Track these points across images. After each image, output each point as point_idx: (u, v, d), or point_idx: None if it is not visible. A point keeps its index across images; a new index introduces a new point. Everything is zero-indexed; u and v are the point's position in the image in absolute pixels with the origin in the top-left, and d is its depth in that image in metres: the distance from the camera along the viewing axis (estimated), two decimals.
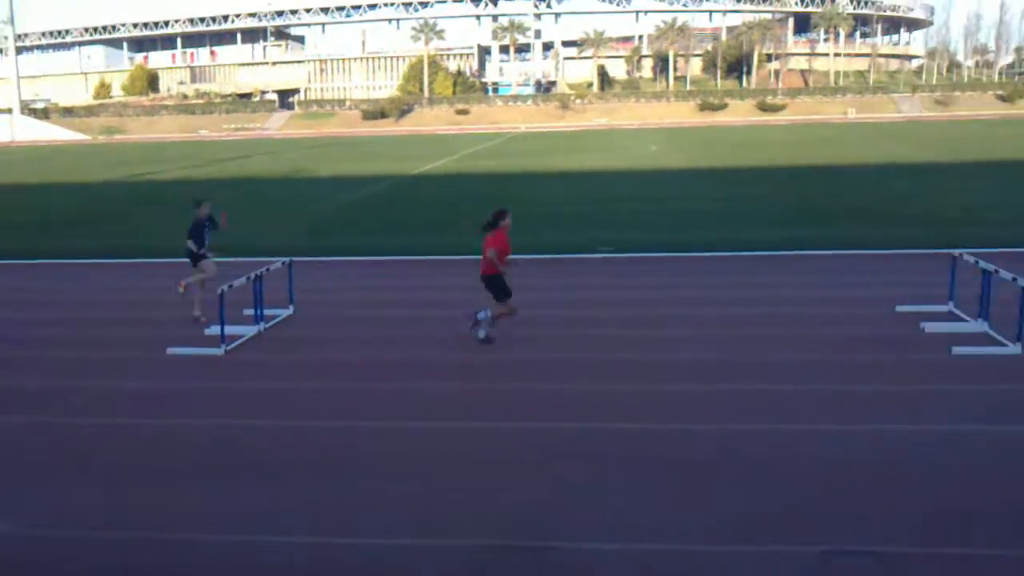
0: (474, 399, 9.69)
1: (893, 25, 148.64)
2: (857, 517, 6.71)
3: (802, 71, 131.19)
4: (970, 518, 6.68)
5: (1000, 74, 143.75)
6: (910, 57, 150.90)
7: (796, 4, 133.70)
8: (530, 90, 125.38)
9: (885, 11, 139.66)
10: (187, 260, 13.22)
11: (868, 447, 8.09)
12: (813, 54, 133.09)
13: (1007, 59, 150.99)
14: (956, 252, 12.98)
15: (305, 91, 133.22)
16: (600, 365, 10.77)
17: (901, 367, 10.38)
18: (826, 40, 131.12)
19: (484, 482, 7.53)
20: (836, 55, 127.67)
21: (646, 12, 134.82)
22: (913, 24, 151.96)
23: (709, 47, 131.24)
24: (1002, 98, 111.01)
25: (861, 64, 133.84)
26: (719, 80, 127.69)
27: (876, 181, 31.89)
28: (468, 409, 9.39)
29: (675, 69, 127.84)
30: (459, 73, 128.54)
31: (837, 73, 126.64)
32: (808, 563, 6.09)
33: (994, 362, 10.48)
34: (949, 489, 7.22)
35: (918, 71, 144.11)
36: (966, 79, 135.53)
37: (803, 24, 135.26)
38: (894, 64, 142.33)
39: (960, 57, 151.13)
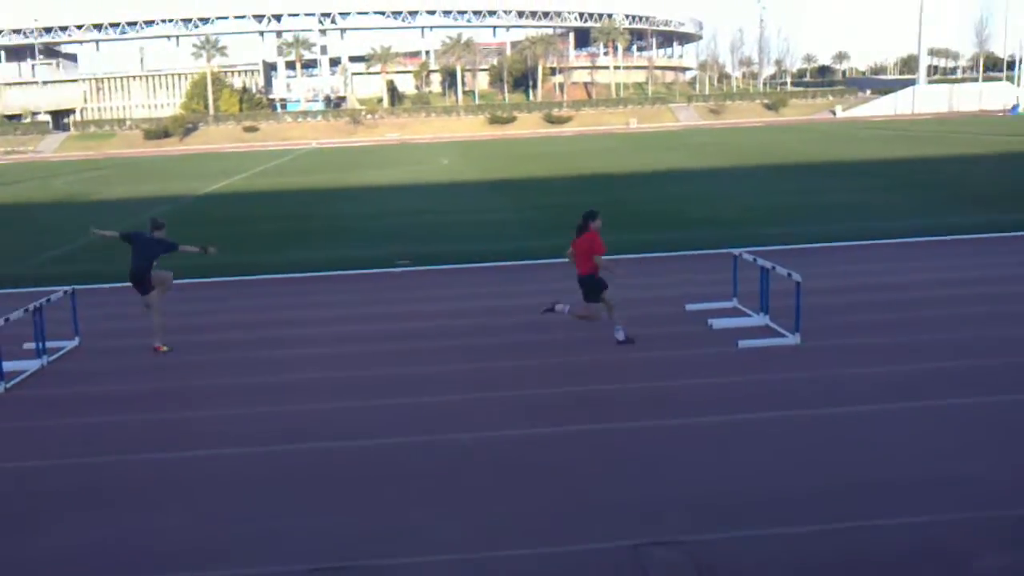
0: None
1: (667, 39, 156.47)
2: (669, 506, 6.96)
3: (585, 84, 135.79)
4: (781, 498, 7.05)
5: (764, 84, 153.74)
6: (684, 69, 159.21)
7: (575, 20, 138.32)
8: (320, 106, 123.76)
9: (659, 26, 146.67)
10: (136, 283, 12.03)
11: (682, 437, 8.41)
12: (595, 67, 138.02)
13: (770, 70, 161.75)
14: (736, 251, 13.70)
15: (81, 111, 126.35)
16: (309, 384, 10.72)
17: (691, 362, 10.87)
18: (606, 54, 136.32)
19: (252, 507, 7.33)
20: (616, 68, 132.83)
21: (431, 28, 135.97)
22: (685, 38, 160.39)
23: (495, 62, 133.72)
24: (768, 106, 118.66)
25: (640, 76, 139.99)
26: (507, 94, 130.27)
27: (658, 186, 33.34)
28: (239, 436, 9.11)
29: (463, 84, 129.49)
30: (245, 90, 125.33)
31: (618, 85, 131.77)
32: (620, 558, 6.24)
33: (776, 352, 11.13)
34: (745, 475, 7.60)
35: (692, 82, 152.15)
36: (735, 89, 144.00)
37: (583, 39, 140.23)
38: (670, 76, 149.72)
39: (729, 69, 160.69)
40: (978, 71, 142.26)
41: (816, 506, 6.94)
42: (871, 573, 6.02)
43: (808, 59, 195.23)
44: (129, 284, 12.25)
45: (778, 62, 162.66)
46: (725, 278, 13.79)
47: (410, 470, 8.00)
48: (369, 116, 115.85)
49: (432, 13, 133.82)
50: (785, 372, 10.32)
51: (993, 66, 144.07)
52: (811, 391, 9.65)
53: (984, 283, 14.59)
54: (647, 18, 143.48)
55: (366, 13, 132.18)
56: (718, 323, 12.38)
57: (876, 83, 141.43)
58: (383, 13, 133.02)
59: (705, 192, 30.76)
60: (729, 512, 6.90)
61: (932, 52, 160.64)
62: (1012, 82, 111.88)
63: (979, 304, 13.11)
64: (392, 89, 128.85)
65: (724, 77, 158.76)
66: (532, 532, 6.72)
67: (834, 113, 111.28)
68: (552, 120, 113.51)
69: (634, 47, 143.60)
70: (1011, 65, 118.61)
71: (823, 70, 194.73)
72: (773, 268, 11.97)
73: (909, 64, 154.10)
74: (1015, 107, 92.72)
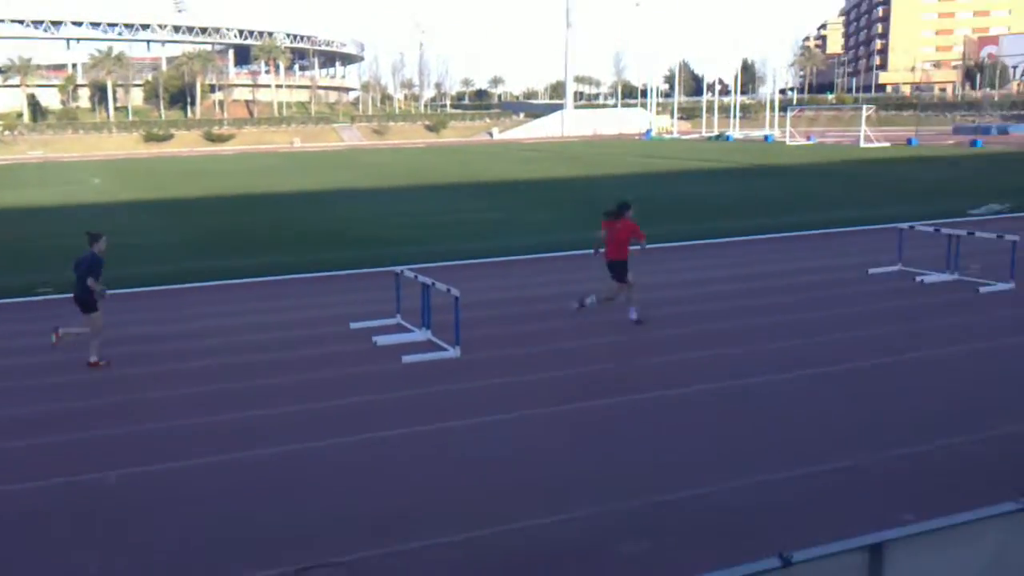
0: None
1: (330, 59, 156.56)
2: (323, 528, 7.01)
3: (247, 102, 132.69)
4: (408, 516, 7.30)
5: (426, 106, 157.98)
6: (347, 89, 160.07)
7: (235, 36, 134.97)
8: None
9: (320, 46, 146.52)
10: (78, 304, 11.57)
11: (334, 456, 8.48)
12: (256, 85, 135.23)
13: (430, 93, 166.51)
14: (399, 269, 14.03)
15: None
16: None
17: (358, 380, 11.00)
18: (267, 72, 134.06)
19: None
20: (278, 86, 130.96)
21: (78, 40, 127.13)
22: (347, 59, 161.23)
23: (150, 77, 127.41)
24: (430, 128, 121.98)
25: (303, 95, 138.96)
26: (163, 111, 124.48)
27: (324, 206, 33.28)
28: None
29: (115, 99, 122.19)
30: None
31: (280, 104, 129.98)
32: None
33: (439, 365, 11.53)
34: (400, 489, 7.83)
35: (356, 103, 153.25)
36: (397, 110, 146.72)
37: (244, 56, 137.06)
38: (334, 96, 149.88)
39: (391, 90, 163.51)
40: (617, 98, 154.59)
41: (470, 513, 7.29)
42: (523, 573, 6.42)
43: (466, 83, 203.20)
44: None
45: (438, 85, 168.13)
46: (389, 296, 14.08)
47: None
48: (7, 132, 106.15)
49: (79, 24, 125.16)
50: (447, 384, 10.72)
51: (630, 94, 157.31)
52: (470, 401, 10.10)
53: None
54: (309, 37, 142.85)
55: (2, 21, 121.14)
56: (382, 340, 12.61)
57: (529, 107, 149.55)
58: (22, 22, 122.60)
59: (370, 211, 31.12)
60: (387, 526, 7.08)
61: (578, 79, 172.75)
62: (646, 108, 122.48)
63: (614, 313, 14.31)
64: (34, 104, 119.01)
65: (387, 98, 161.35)
66: (191, 566, 6.54)
67: (491, 135, 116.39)
68: (212, 138, 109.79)
69: (296, 66, 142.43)
70: (644, 93, 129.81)
71: (480, 93, 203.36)
72: (433, 284, 12.40)
73: (558, 90, 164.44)
74: (648, 132, 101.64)
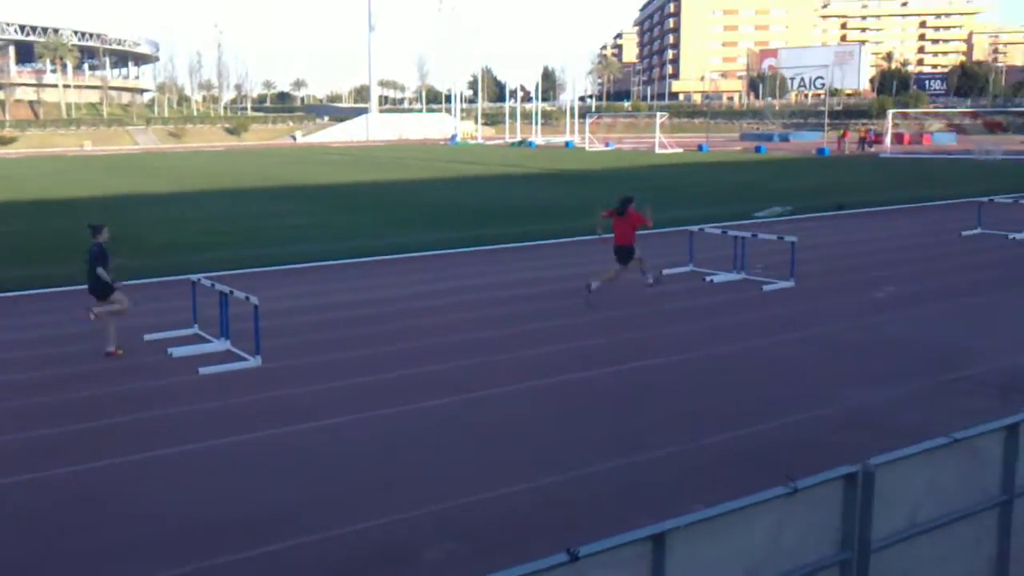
0: None
1: (122, 59, 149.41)
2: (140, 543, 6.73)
3: (31, 103, 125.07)
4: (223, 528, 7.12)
5: (225, 109, 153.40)
6: (142, 91, 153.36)
7: (16, 32, 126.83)
8: None
9: (111, 44, 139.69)
10: (94, 294, 11.97)
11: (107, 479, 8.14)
12: (41, 85, 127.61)
13: (230, 95, 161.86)
14: (195, 277, 13.58)
15: None
16: None
17: (150, 394, 10.58)
18: (53, 71, 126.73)
19: None
20: (66, 87, 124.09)
21: None
22: (141, 59, 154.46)
23: None
24: (230, 131, 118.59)
25: (94, 96, 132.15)
26: None
27: (117, 211, 31.78)
28: None
29: None
30: None
31: (69, 105, 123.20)
32: None
33: (239, 376, 11.24)
34: (212, 499, 7.61)
35: (151, 104, 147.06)
36: (196, 112, 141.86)
37: (27, 53, 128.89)
38: (127, 97, 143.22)
39: (188, 92, 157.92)
40: (422, 103, 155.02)
41: (289, 522, 7.16)
42: None
43: (268, 85, 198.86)
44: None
45: (238, 87, 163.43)
46: (186, 305, 13.61)
47: None
48: None
49: None
50: (246, 395, 10.47)
51: (435, 98, 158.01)
52: (270, 412, 9.90)
53: (444, 295, 16.01)
54: (99, 35, 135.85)
55: None
56: (178, 351, 12.18)
57: (333, 110, 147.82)
58: None
59: (167, 217, 29.95)
60: (204, 539, 6.87)
61: (383, 83, 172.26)
62: (450, 113, 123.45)
63: (433, 315, 14.38)
64: None
65: (184, 100, 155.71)
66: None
67: (295, 139, 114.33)
68: None
69: (85, 65, 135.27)
70: (448, 98, 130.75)
71: (283, 96, 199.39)
72: (231, 292, 12.07)
73: (362, 93, 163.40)
74: (453, 137, 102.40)
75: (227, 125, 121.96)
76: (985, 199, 25.14)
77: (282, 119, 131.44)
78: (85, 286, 12.23)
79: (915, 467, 4.91)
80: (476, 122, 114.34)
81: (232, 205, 34.09)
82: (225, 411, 9.94)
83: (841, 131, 73.81)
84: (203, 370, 11.31)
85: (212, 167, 59.95)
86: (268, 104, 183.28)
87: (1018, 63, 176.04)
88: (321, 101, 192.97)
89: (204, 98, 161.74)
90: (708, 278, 17.13)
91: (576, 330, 13.42)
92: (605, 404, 10.13)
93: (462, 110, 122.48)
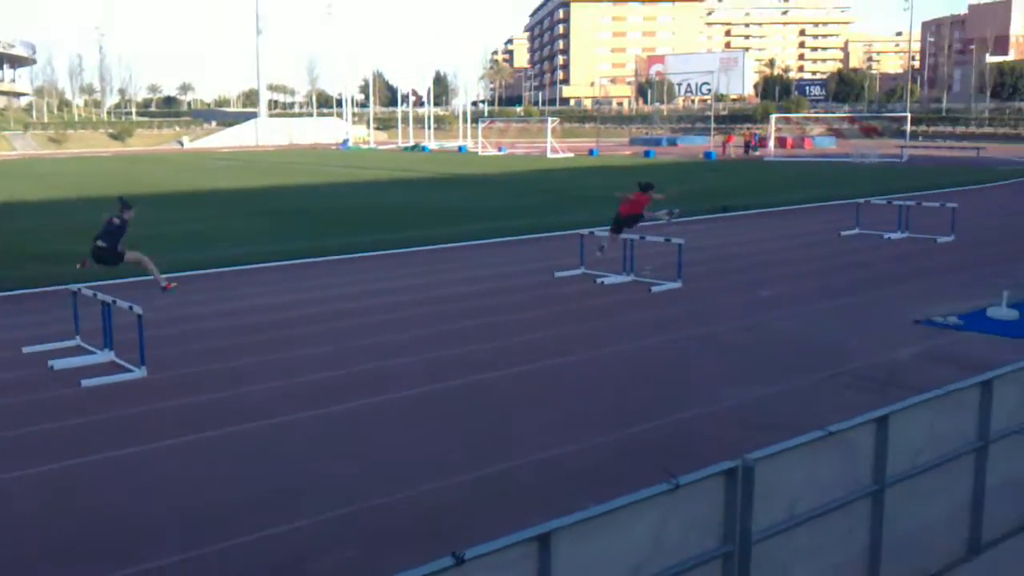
0: None
1: None
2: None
3: None
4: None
5: (109, 113, 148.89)
6: (18, 94, 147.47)
7: None
8: None
9: None
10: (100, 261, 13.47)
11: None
12: None
13: (114, 99, 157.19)
14: (75, 287, 13.15)
15: None
16: None
17: (29, 408, 10.22)
18: None
19: None
20: None
21: None
22: (17, 61, 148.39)
23: None
24: (114, 136, 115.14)
25: None
26: None
27: None
28: None
29: None
30: None
31: None
32: None
33: (123, 388, 10.94)
34: (90, 520, 7.39)
35: (28, 109, 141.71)
36: (77, 118, 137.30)
37: None
38: (2, 101, 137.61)
39: (69, 96, 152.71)
40: (313, 107, 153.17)
41: (170, 537, 7.01)
42: None
43: (153, 89, 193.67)
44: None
45: (122, 91, 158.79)
46: (68, 315, 13.17)
47: None
48: None
49: None
50: (130, 407, 10.20)
51: (326, 103, 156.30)
52: (158, 423, 9.67)
53: (334, 301, 15.86)
54: None
55: None
56: (59, 364, 11.79)
57: (221, 115, 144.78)
58: None
59: (45, 226, 28.90)
60: (75, 559, 6.68)
61: (272, 87, 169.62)
62: (342, 118, 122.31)
63: (323, 322, 14.24)
64: None
65: (65, 104, 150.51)
66: None
67: (182, 144, 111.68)
68: None
69: None
70: (340, 103, 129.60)
71: (169, 100, 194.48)
72: (114, 302, 11.75)
73: (251, 98, 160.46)
74: (345, 141, 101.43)
75: (111, 130, 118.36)
76: (862, 200, 26.11)
77: (168, 124, 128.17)
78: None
79: (793, 460, 5.10)
80: (368, 127, 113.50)
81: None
82: (109, 425, 9.66)
83: (725, 136, 75.74)
84: (86, 383, 10.97)
85: (95, 174, 58.06)
86: (154, 109, 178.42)
87: (890, 71, 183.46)
88: (209, 105, 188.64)
89: (86, 102, 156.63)
90: (599, 280, 17.39)
91: (464, 335, 13.46)
92: (492, 408, 10.19)
93: (354, 115, 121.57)
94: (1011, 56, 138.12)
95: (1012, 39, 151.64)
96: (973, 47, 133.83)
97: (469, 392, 10.71)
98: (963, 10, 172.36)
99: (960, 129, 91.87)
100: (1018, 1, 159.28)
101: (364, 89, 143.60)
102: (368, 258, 21.18)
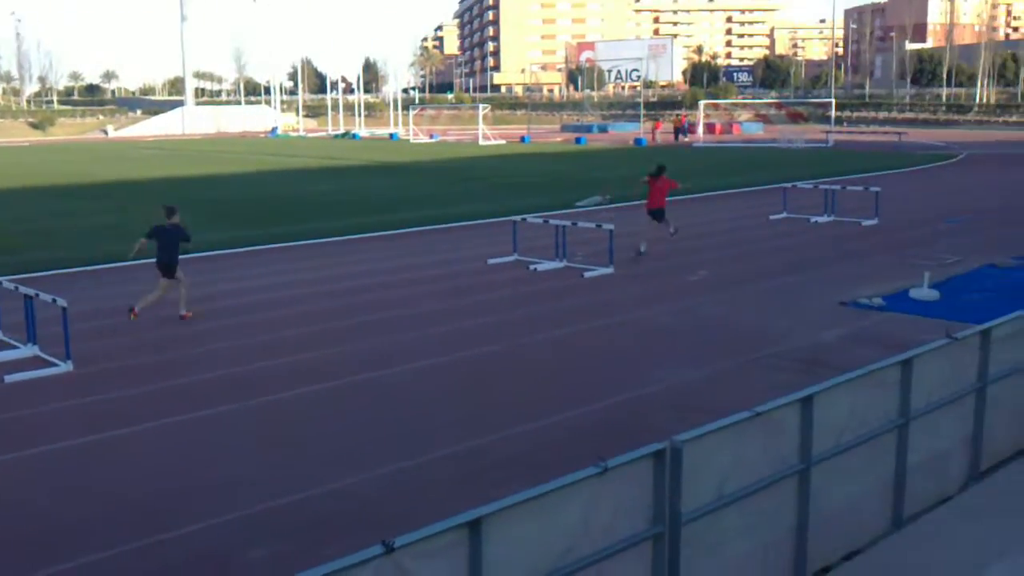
0: None
1: None
2: None
3: None
4: None
5: (28, 102, 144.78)
6: None
7: None
8: None
9: None
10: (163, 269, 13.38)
11: None
12: None
13: (34, 87, 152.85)
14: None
15: None
16: None
17: None
18: None
19: None
20: None
21: None
22: None
23: None
24: (34, 125, 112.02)
25: None
26: None
27: None
28: None
29: None
30: None
31: None
32: None
33: (48, 382, 10.69)
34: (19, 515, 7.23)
35: None
36: None
37: None
38: None
39: None
40: (240, 94, 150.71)
41: (94, 533, 6.88)
42: None
43: (75, 77, 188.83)
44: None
45: (42, 79, 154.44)
46: None
47: None
48: None
49: None
50: (56, 402, 9.97)
51: (254, 90, 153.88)
52: (83, 418, 9.47)
53: (255, 292, 15.64)
54: None
55: None
56: None
57: (147, 103, 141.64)
58: None
59: None
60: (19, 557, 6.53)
61: (199, 75, 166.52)
62: (271, 106, 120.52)
63: (244, 315, 14.06)
64: None
65: None
66: None
67: (107, 133, 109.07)
68: None
69: None
70: (268, 90, 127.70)
71: (92, 88, 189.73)
72: (37, 295, 11.46)
73: (177, 86, 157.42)
74: (274, 129, 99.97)
75: (31, 120, 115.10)
76: (789, 185, 26.55)
77: (92, 113, 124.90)
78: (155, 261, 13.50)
79: (721, 441, 5.18)
80: (297, 114, 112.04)
81: (36, 203, 32.22)
82: (33, 420, 9.44)
83: (654, 122, 76.30)
84: (9, 378, 10.68)
85: (15, 163, 56.47)
86: (76, 97, 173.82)
87: (815, 58, 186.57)
88: (134, 94, 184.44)
89: (3, 91, 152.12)
90: (532, 267, 17.43)
91: (401, 323, 13.40)
92: (414, 399, 10.17)
93: (283, 102, 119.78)
94: (929, 43, 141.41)
95: (930, 27, 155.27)
96: (893, 34, 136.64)
97: (391, 383, 10.66)
98: None
99: (883, 115, 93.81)
100: None
101: (293, 76, 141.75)
102: (294, 248, 20.93)
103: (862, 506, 6.43)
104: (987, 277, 16.11)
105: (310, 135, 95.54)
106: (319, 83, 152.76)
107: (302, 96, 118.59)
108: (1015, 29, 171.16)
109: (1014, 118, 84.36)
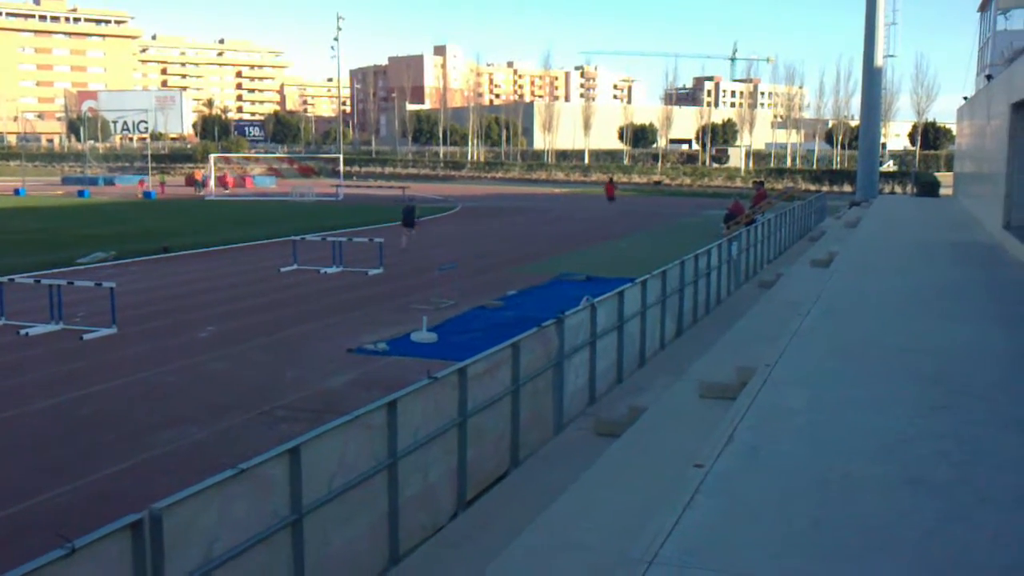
0: None
1: None
2: None
3: None
4: None
5: None
6: None
7: None
8: None
9: None
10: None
11: None
12: None
13: None
14: None
15: None
16: None
17: None
18: None
19: None
20: None
21: None
22: None
23: None
24: None
25: None
26: None
27: None
28: None
29: None
30: None
31: None
32: None
33: None
34: None
35: None
36: None
37: None
38: None
39: None
40: None
41: None
42: None
43: None
44: None
45: None
46: None
47: None
48: None
49: None
50: None
51: None
52: None
53: None
54: None
55: None
56: None
57: None
58: None
59: None
60: None
61: None
62: None
63: None
64: None
65: None
66: None
67: None
68: None
69: None
70: None
71: None
72: None
73: None
74: None
75: None
76: (299, 237, 26.99)
77: None
78: None
79: (205, 502, 5.05)
80: None
81: None
82: None
83: (163, 177, 73.82)
84: None
85: None
86: None
87: (324, 114, 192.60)
88: None
89: None
90: (23, 331, 15.94)
91: None
92: None
93: None
94: (427, 105, 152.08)
95: (427, 90, 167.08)
96: (395, 95, 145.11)
97: None
98: (384, 61, 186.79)
99: (388, 169, 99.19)
100: (429, 57, 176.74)
101: None
102: None
103: (360, 547, 6.61)
104: (477, 318, 17.55)
105: None
106: None
107: None
108: (497, 96, 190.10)
109: (499, 173, 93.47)
